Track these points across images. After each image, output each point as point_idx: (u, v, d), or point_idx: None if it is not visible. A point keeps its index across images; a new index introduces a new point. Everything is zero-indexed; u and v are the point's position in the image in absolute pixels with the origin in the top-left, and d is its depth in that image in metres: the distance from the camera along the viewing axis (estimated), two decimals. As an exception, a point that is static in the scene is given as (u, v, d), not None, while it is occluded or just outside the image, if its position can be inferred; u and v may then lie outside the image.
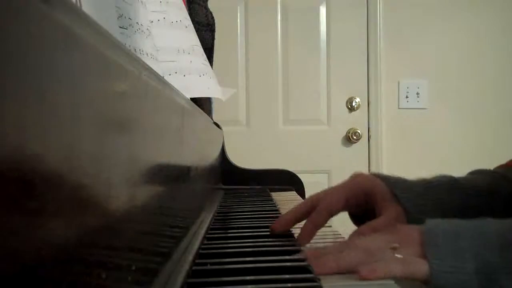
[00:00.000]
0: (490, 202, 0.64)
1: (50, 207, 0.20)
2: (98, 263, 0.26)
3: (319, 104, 2.36)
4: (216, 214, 0.84)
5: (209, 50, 1.22)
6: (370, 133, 2.35)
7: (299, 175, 1.34)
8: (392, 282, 0.44)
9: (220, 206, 0.95)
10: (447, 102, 2.35)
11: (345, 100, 2.35)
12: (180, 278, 0.43)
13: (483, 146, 2.33)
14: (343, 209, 0.64)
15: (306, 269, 0.47)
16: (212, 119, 1.24)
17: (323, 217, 0.61)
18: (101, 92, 0.27)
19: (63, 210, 0.21)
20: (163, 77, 0.60)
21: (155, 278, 0.39)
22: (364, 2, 2.36)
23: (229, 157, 1.35)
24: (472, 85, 2.35)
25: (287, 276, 0.44)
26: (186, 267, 0.46)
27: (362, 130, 2.34)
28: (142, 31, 0.69)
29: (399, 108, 2.36)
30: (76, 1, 0.46)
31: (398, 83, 2.36)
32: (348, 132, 2.34)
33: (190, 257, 0.49)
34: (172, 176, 0.49)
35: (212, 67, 1.10)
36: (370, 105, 2.35)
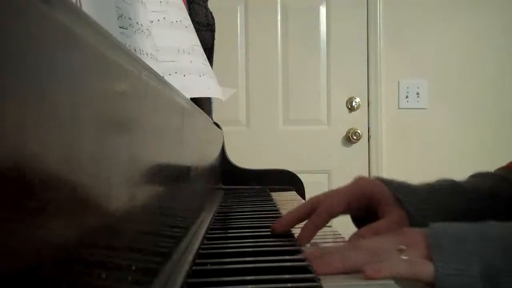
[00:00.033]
0: (491, 205, 0.64)
1: (50, 207, 0.20)
2: (98, 263, 0.26)
3: (319, 104, 2.36)
4: (216, 214, 0.84)
5: (209, 50, 1.22)
6: (370, 133, 2.35)
7: (299, 175, 1.34)
8: (392, 282, 0.44)
9: (220, 206, 0.95)
10: (447, 102, 2.35)
11: (345, 100, 2.35)
12: (180, 278, 0.43)
13: (483, 146, 2.33)
14: (343, 212, 0.64)
15: (306, 269, 0.47)
16: (212, 119, 1.24)
17: (324, 218, 0.61)
18: (101, 92, 0.27)
19: (63, 210, 0.21)
20: (163, 77, 0.60)
21: (155, 278, 0.39)
22: (364, 2, 2.36)
23: (229, 157, 1.35)
24: (472, 85, 2.35)
25: (287, 276, 0.44)
26: (186, 267, 0.46)
27: (362, 130, 2.34)
28: (142, 31, 0.69)
29: (399, 108, 2.37)
30: (76, 1, 0.46)
31: (398, 83, 2.36)
32: (348, 132, 2.34)
33: (190, 257, 0.49)
34: (172, 176, 0.49)
35: (212, 67, 1.10)
36: (370, 105, 2.35)
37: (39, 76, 0.19)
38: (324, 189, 2.49)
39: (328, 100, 2.36)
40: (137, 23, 0.68)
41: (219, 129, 1.27)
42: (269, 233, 0.64)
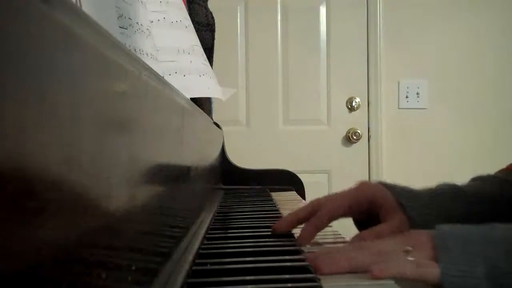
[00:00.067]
0: (493, 208, 0.64)
1: (50, 207, 0.20)
2: (98, 263, 0.26)
3: (319, 104, 2.36)
4: (216, 214, 0.84)
5: (209, 50, 1.22)
6: (370, 133, 2.35)
7: (299, 175, 1.34)
8: (392, 282, 0.44)
9: (220, 206, 0.95)
10: (447, 102, 2.35)
11: (345, 100, 2.35)
12: (180, 278, 0.43)
13: (483, 146, 2.33)
14: (344, 215, 0.64)
15: (306, 269, 0.47)
16: (212, 119, 1.24)
17: (324, 221, 0.62)
18: (101, 92, 0.27)
19: (63, 210, 0.21)
20: (163, 77, 0.60)
21: (155, 278, 0.39)
22: (364, 2, 2.36)
23: (229, 157, 1.35)
24: (472, 85, 2.35)
25: (287, 276, 0.44)
26: (186, 267, 0.46)
27: (362, 130, 2.34)
28: (142, 31, 0.69)
29: (399, 108, 2.36)
30: (76, 1, 0.46)
31: (398, 83, 2.36)
32: (348, 132, 2.34)
33: (190, 257, 0.49)
34: (172, 176, 0.49)
35: (212, 67, 1.10)
36: (370, 105, 2.35)
37: (39, 76, 0.19)
38: (324, 189, 2.49)
39: (328, 100, 2.35)
40: (137, 23, 0.68)
41: (219, 129, 1.27)
42: (269, 233, 0.64)
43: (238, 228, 0.71)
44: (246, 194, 1.15)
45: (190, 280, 0.44)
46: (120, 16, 0.63)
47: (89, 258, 0.25)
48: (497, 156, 2.23)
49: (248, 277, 0.44)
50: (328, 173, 2.35)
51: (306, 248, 0.57)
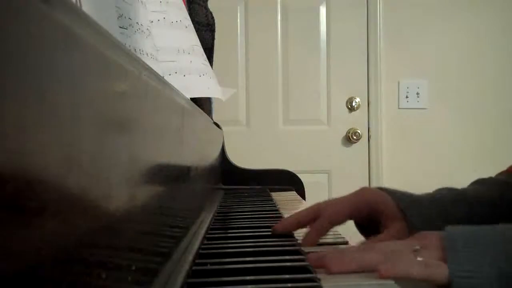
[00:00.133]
0: (494, 211, 0.64)
1: (50, 207, 0.20)
2: (98, 263, 0.26)
3: (319, 104, 2.36)
4: (216, 214, 0.84)
5: (209, 50, 1.22)
6: (370, 133, 2.35)
7: (299, 175, 1.34)
8: (392, 282, 0.44)
9: (220, 206, 0.95)
10: (447, 102, 2.35)
11: (345, 100, 2.35)
12: (180, 278, 0.43)
13: (483, 146, 2.33)
14: (345, 221, 0.64)
15: (306, 269, 0.47)
16: (212, 119, 1.24)
17: (326, 227, 0.62)
18: (101, 92, 0.27)
19: (63, 210, 0.21)
20: (163, 77, 0.60)
21: (155, 278, 0.39)
22: (364, 2, 2.36)
23: (229, 157, 1.35)
24: (472, 85, 2.35)
25: (287, 276, 0.44)
26: (186, 267, 0.46)
27: (362, 130, 2.34)
28: (142, 31, 0.69)
29: (399, 108, 2.36)
30: (76, 1, 0.46)
31: (398, 83, 2.36)
32: (348, 132, 2.34)
33: (190, 257, 0.49)
34: (172, 176, 0.49)
35: (212, 67, 1.10)
36: (370, 105, 2.35)
37: (39, 76, 0.19)
38: (324, 189, 2.49)
39: (328, 100, 2.35)
40: (137, 23, 0.68)
41: (219, 129, 1.27)
42: (269, 233, 0.64)
43: (238, 228, 0.71)
44: (246, 194, 1.15)
45: (190, 280, 0.44)
46: (120, 16, 0.63)
47: (89, 258, 0.25)
48: (497, 156, 2.24)
49: (248, 277, 0.44)
50: (328, 173, 2.35)
51: (306, 248, 0.57)
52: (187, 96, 0.71)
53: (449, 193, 0.67)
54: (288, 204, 1.00)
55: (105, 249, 0.28)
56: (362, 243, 0.60)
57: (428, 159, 2.33)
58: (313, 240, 0.61)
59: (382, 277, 0.45)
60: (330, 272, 0.47)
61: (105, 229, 0.27)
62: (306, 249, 0.55)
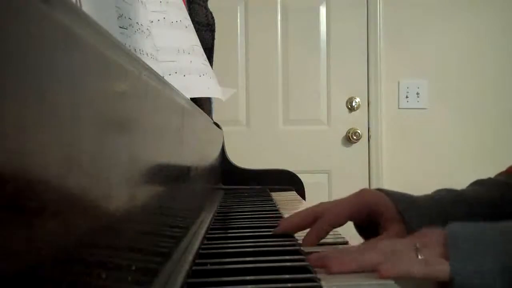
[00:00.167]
0: (493, 212, 0.64)
1: (50, 207, 0.20)
2: (98, 263, 0.26)
3: (319, 104, 2.36)
4: (216, 214, 0.84)
5: (209, 50, 1.22)
6: (370, 133, 2.35)
7: (299, 175, 1.34)
8: (392, 282, 0.44)
9: (220, 206, 0.95)
10: (447, 102, 2.35)
11: (345, 100, 2.35)
12: (180, 278, 0.43)
13: (483, 146, 2.33)
14: (345, 223, 0.64)
15: (306, 269, 0.47)
16: (212, 119, 1.24)
17: (325, 229, 0.62)
18: (101, 92, 0.27)
19: (63, 210, 0.21)
20: (163, 77, 0.60)
21: (155, 278, 0.39)
22: (364, 2, 2.36)
23: (229, 157, 1.35)
24: (472, 85, 2.35)
25: (287, 276, 0.44)
26: (186, 267, 0.46)
27: (362, 130, 2.34)
28: (142, 31, 0.69)
29: (399, 108, 2.36)
30: (76, 1, 0.46)
31: (398, 83, 2.36)
32: (348, 132, 2.34)
33: (190, 257, 0.49)
34: (172, 176, 0.49)
35: (212, 67, 1.10)
36: (370, 105, 2.35)
37: (39, 76, 0.19)
38: (324, 189, 2.49)
39: (328, 100, 2.35)
40: (137, 23, 0.68)
41: (219, 129, 1.27)
42: (269, 233, 0.64)
43: (238, 228, 0.71)
44: (246, 194, 1.15)
45: (190, 280, 0.44)
46: (120, 16, 0.63)
47: (89, 258, 0.25)
48: (497, 156, 2.24)
49: (248, 277, 0.44)
50: (328, 173, 2.35)
51: (306, 249, 0.57)
52: (187, 96, 0.71)
53: (448, 194, 0.67)
54: (288, 204, 1.00)
55: (105, 249, 0.28)
56: (363, 244, 0.59)
57: (428, 159, 2.33)
58: (313, 241, 0.61)
59: (383, 277, 0.45)
60: (330, 272, 0.46)
61: (105, 229, 0.27)
62: (306, 249, 0.55)
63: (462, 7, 2.36)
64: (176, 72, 0.88)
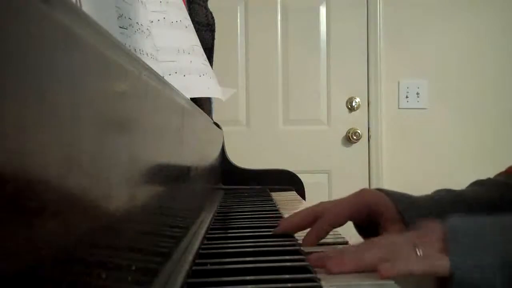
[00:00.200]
0: (493, 212, 0.64)
1: (50, 207, 0.20)
2: (98, 263, 0.26)
3: (319, 104, 2.36)
4: (216, 214, 0.84)
5: (209, 50, 1.22)
6: (370, 133, 2.35)
7: (299, 175, 1.34)
8: (392, 282, 0.44)
9: (220, 206, 0.95)
10: (447, 102, 2.35)
11: (345, 100, 2.35)
12: (180, 278, 0.43)
13: (483, 146, 2.33)
14: (345, 223, 0.64)
15: (306, 269, 0.47)
16: (212, 119, 1.24)
17: (325, 229, 0.62)
18: (101, 92, 0.27)
19: (63, 210, 0.21)
20: (163, 77, 0.60)
21: (155, 278, 0.39)
22: (364, 2, 2.36)
23: (229, 157, 1.35)
24: (472, 85, 2.35)
25: (287, 276, 0.44)
26: (186, 267, 0.46)
27: (362, 130, 2.34)
28: (142, 31, 0.69)
29: (399, 108, 2.36)
30: (76, 1, 0.46)
31: (398, 83, 2.36)
32: (348, 132, 2.34)
33: (190, 257, 0.49)
34: (172, 176, 0.49)
35: (212, 67, 1.10)
36: (370, 105, 2.35)
37: (39, 76, 0.19)
38: (324, 189, 2.49)
39: (328, 100, 2.35)
40: (137, 23, 0.68)
41: (219, 129, 1.27)
42: (269, 233, 0.64)
43: (238, 228, 0.71)
44: (246, 194, 1.15)
45: (190, 280, 0.44)
46: (120, 16, 0.63)
47: (89, 258, 0.25)
48: (497, 156, 2.24)
49: (248, 277, 0.44)
50: (328, 173, 2.35)
51: (306, 249, 0.57)
52: (187, 96, 0.71)
53: (448, 194, 0.67)
54: (288, 204, 1.00)
55: (105, 249, 0.28)
56: (362, 243, 0.59)
57: (428, 159, 2.33)
58: (313, 241, 0.61)
59: (383, 277, 0.45)
60: (330, 273, 0.46)
61: (105, 229, 0.27)
62: (306, 249, 0.55)
63: (462, 7, 2.36)
64: (176, 72, 0.88)
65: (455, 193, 0.67)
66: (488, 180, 0.72)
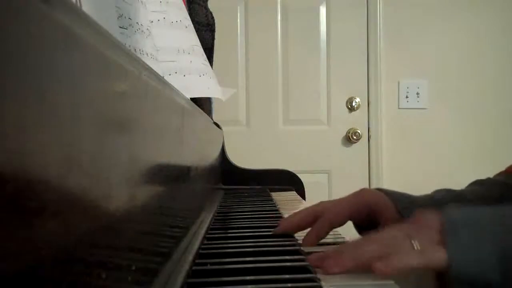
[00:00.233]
0: None
1: (50, 207, 0.20)
2: (98, 263, 0.26)
3: (319, 104, 2.36)
4: (216, 214, 0.84)
5: (209, 50, 1.22)
6: (370, 133, 2.35)
7: (299, 175, 1.34)
8: (392, 282, 0.44)
9: (220, 206, 0.95)
10: (447, 102, 2.35)
11: (345, 100, 2.35)
12: (180, 278, 0.43)
13: (483, 146, 2.33)
14: (345, 222, 0.64)
15: (306, 269, 0.47)
16: (212, 119, 1.24)
17: (325, 229, 0.62)
18: (101, 92, 0.27)
19: (63, 210, 0.21)
20: (163, 77, 0.60)
21: (155, 278, 0.39)
22: (364, 2, 2.36)
23: (229, 157, 1.35)
24: (472, 85, 2.35)
25: (287, 276, 0.44)
26: (186, 267, 0.46)
27: (362, 130, 2.34)
28: (142, 31, 0.69)
29: (399, 108, 2.37)
30: (76, 1, 0.46)
31: (398, 83, 2.36)
32: (348, 132, 2.34)
33: (190, 257, 0.49)
34: (172, 176, 0.49)
35: (212, 67, 1.10)
36: (370, 105, 2.35)
37: (39, 76, 0.19)
38: (324, 189, 2.49)
39: (328, 100, 2.36)
40: (137, 23, 0.68)
41: (219, 129, 1.27)
42: (269, 233, 0.64)
43: (238, 228, 0.71)
44: (246, 194, 1.15)
45: (190, 280, 0.44)
46: (120, 16, 0.63)
47: (89, 258, 0.25)
48: (497, 156, 2.24)
49: (248, 277, 0.44)
50: (328, 173, 2.35)
51: (306, 248, 0.57)
52: (187, 96, 0.71)
53: (448, 194, 0.67)
54: (288, 204, 1.00)
55: (105, 249, 0.28)
56: (359, 239, 0.59)
57: (428, 159, 2.33)
58: (313, 241, 0.61)
59: (379, 274, 0.45)
60: (328, 273, 0.46)
61: (105, 229, 0.27)
62: (306, 249, 0.55)
63: (462, 7, 2.36)
64: (176, 72, 0.88)
65: (455, 193, 0.67)
66: (488, 180, 0.72)
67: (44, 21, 0.19)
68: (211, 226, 0.71)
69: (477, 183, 0.72)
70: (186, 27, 0.94)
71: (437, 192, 0.68)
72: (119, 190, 0.30)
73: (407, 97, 2.36)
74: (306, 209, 0.66)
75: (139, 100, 0.35)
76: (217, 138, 1.20)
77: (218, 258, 0.52)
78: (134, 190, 0.33)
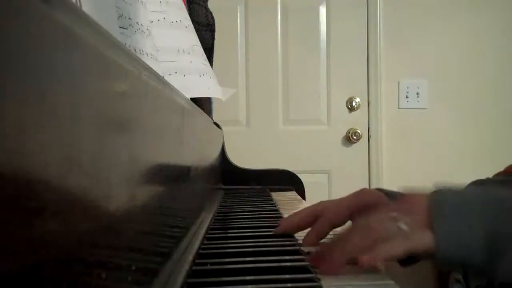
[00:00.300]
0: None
1: (50, 207, 0.20)
2: (98, 263, 0.26)
3: (319, 104, 2.36)
4: (216, 214, 0.84)
5: (209, 50, 1.22)
6: (370, 133, 2.35)
7: (299, 175, 1.34)
8: (392, 282, 0.44)
9: (220, 206, 0.95)
10: (447, 102, 2.35)
11: (345, 100, 2.35)
12: (180, 278, 0.43)
13: (483, 146, 2.33)
14: (345, 222, 0.64)
15: (306, 269, 0.47)
16: (212, 119, 1.24)
17: (325, 229, 0.62)
18: (101, 92, 0.27)
19: (63, 210, 0.21)
20: (163, 77, 0.60)
21: (155, 278, 0.39)
22: (364, 2, 2.36)
23: (229, 157, 1.35)
24: (472, 85, 2.35)
25: (287, 276, 0.44)
26: (186, 267, 0.46)
27: (362, 130, 2.34)
28: (142, 31, 0.69)
29: (399, 108, 2.37)
30: (76, 1, 0.46)
31: (398, 83, 2.36)
32: (348, 132, 2.34)
33: (190, 257, 0.49)
34: (172, 176, 0.49)
35: (212, 67, 1.10)
36: (370, 105, 2.35)
37: (39, 76, 0.19)
38: (324, 189, 2.49)
39: (328, 100, 2.36)
40: (137, 23, 0.68)
41: (219, 129, 1.27)
42: (269, 233, 0.64)
43: (238, 228, 0.70)
44: (246, 194, 1.15)
45: (190, 280, 0.44)
46: (120, 16, 0.63)
47: (89, 258, 0.25)
48: (497, 156, 2.24)
49: (248, 277, 0.44)
50: (328, 173, 2.35)
51: (306, 248, 0.57)
52: (187, 96, 0.71)
53: None
54: (288, 204, 1.00)
55: (105, 249, 0.28)
56: (347, 229, 0.60)
57: (428, 159, 2.33)
58: (313, 241, 0.61)
59: (365, 267, 0.45)
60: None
61: (105, 229, 0.27)
62: (306, 249, 0.55)
63: (462, 7, 2.36)
64: (176, 72, 0.88)
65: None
66: (487, 180, 0.72)
67: (44, 21, 0.19)
68: (211, 226, 0.71)
69: (477, 183, 0.72)
70: (186, 27, 0.94)
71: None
72: (119, 190, 0.30)
73: (407, 97, 2.36)
74: (306, 209, 0.66)
75: (139, 100, 0.35)
76: (217, 138, 1.20)
77: (218, 258, 0.52)
78: (134, 190, 0.33)
